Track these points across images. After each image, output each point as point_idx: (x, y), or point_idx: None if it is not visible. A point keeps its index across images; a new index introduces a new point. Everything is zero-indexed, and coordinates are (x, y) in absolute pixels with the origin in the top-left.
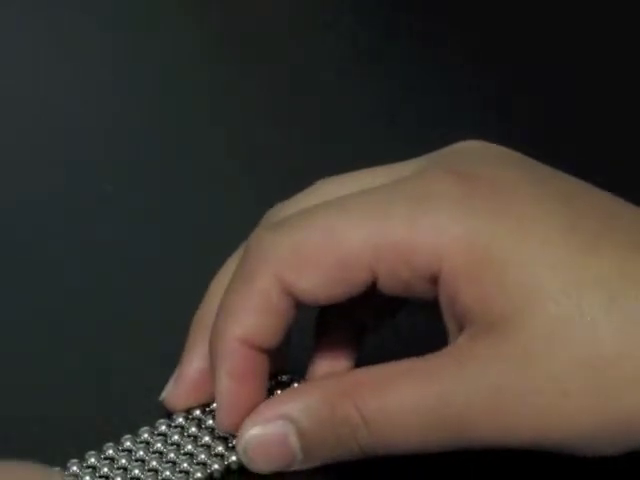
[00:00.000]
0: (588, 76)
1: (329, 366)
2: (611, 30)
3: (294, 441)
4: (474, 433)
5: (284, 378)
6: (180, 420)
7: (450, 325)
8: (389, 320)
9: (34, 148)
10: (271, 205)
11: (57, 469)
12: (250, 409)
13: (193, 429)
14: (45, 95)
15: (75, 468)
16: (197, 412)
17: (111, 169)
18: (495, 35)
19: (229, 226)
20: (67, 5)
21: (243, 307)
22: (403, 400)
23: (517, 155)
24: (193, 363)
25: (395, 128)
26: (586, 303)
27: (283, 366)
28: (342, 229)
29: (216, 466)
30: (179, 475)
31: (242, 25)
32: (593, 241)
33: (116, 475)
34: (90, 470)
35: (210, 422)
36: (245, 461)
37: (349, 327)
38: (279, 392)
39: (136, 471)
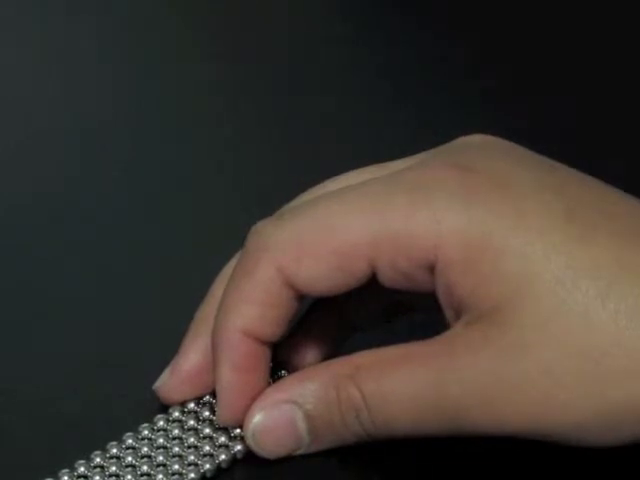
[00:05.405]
0: (588, 75)
1: (303, 359)
2: (611, 30)
3: (301, 424)
4: (468, 421)
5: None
6: (177, 414)
7: (448, 313)
8: (381, 324)
9: (34, 148)
10: (271, 205)
11: (65, 470)
12: (251, 402)
13: (191, 422)
14: (45, 95)
15: (83, 469)
16: (191, 405)
17: (111, 169)
18: (495, 35)
19: (229, 226)
20: (67, 5)
21: (244, 299)
22: (399, 385)
23: (518, 148)
24: (190, 356)
25: (395, 128)
26: (581, 292)
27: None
28: (341, 219)
29: (223, 456)
30: (189, 468)
31: (242, 25)
32: (590, 230)
33: (126, 473)
34: (98, 470)
35: (206, 414)
36: (253, 446)
37: (336, 325)
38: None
39: (145, 467)
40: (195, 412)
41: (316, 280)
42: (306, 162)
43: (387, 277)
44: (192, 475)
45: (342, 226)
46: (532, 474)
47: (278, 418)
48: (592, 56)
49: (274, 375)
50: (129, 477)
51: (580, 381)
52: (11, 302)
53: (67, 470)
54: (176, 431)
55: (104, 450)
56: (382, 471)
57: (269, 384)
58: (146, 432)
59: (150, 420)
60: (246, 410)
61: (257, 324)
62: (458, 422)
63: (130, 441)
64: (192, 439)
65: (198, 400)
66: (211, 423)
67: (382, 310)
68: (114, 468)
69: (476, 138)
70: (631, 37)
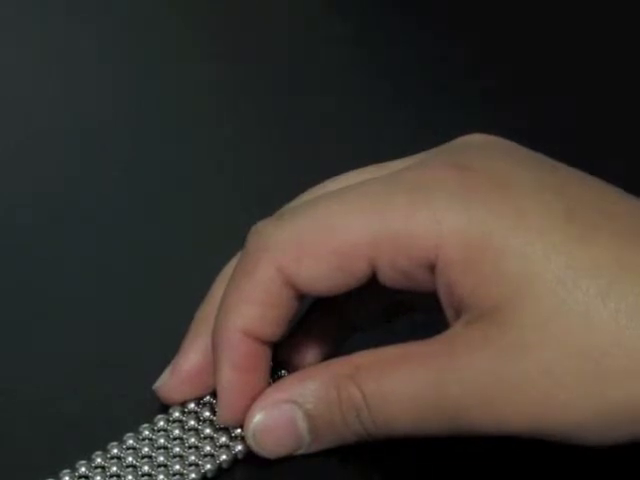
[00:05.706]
0: (588, 75)
1: (303, 359)
2: (611, 30)
3: (302, 424)
4: (468, 421)
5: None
6: (177, 414)
7: (448, 313)
8: (381, 324)
9: (34, 148)
10: (271, 205)
11: (67, 471)
12: (251, 402)
13: (192, 422)
14: (45, 95)
15: (84, 469)
16: (192, 405)
17: (111, 169)
18: (495, 35)
19: (229, 226)
20: (67, 5)
21: (244, 299)
22: (399, 385)
23: (518, 148)
24: (190, 356)
25: (395, 128)
26: (581, 292)
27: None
28: (341, 219)
29: (224, 456)
30: (190, 468)
31: (242, 25)
32: (590, 230)
33: (127, 473)
34: (100, 470)
35: (207, 414)
36: (254, 445)
37: (336, 325)
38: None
39: (146, 467)
40: (195, 412)
41: (316, 280)
42: (306, 162)
43: (387, 277)
44: (193, 475)
45: (342, 226)
46: (532, 474)
47: (278, 418)
48: (592, 56)
49: (274, 375)
50: (130, 477)
51: (580, 381)
52: (11, 302)
53: (68, 470)
54: (177, 431)
55: (105, 450)
56: (382, 471)
57: (269, 384)
58: (147, 432)
59: (150, 420)
60: (246, 410)
61: (257, 324)
62: (458, 422)
63: (131, 441)
64: (193, 439)
65: (198, 400)
66: (211, 423)
67: (382, 310)
68: (115, 468)
69: (476, 138)
70: (631, 37)
